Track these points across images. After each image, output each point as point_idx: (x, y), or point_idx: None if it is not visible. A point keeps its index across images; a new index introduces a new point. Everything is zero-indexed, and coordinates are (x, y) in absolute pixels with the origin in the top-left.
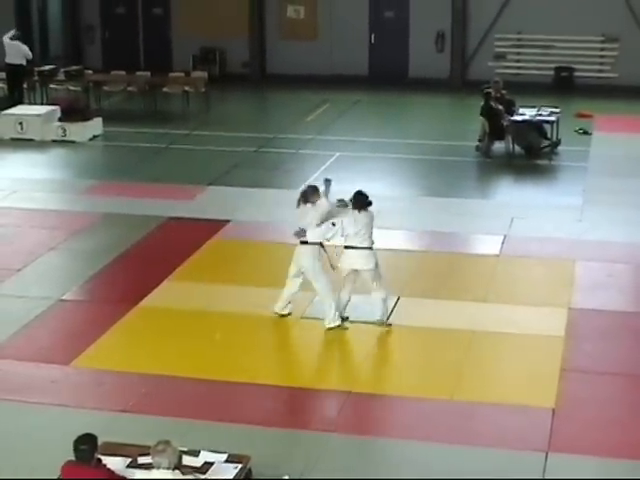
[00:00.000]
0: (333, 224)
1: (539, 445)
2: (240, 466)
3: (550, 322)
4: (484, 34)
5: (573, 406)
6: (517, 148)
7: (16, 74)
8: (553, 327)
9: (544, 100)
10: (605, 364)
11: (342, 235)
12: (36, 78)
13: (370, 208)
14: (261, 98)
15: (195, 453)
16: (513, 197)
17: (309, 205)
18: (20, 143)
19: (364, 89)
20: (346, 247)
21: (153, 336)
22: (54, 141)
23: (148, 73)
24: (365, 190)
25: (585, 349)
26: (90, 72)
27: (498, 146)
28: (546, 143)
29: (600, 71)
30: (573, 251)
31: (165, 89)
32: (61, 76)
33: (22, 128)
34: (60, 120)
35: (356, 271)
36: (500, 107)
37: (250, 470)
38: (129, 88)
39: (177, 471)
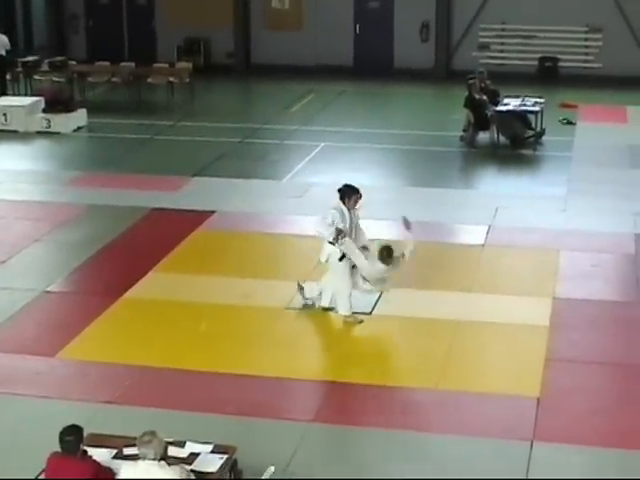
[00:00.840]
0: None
1: (524, 434)
2: (226, 457)
3: (535, 312)
4: (468, 24)
5: (558, 395)
6: (501, 138)
7: None
8: (538, 317)
9: (528, 90)
10: (590, 353)
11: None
12: (20, 69)
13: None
14: (246, 88)
15: (181, 444)
16: (497, 187)
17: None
18: (4, 134)
19: (349, 79)
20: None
21: (138, 327)
22: (38, 132)
23: (132, 64)
24: (350, 181)
25: (570, 339)
26: (74, 63)
27: (482, 136)
28: (530, 133)
29: (584, 61)
30: (557, 241)
31: (149, 80)
32: (45, 67)
33: (6, 119)
34: (44, 111)
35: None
36: (484, 97)
37: (236, 461)
38: (113, 79)
39: (163, 462)
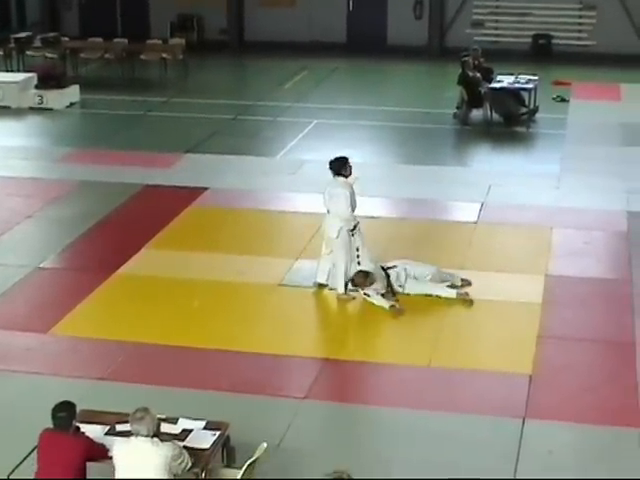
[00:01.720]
0: None
1: (516, 411)
2: (219, 433)
3: (527, 289)
4: (462, 1)
5: (550, 373)
6: (495, 116)
7: None
8: (530, 294)
9: (522, 68)
10: (581, 331)
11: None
12: (12, 45)
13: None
14: (239, 65)
15: (173, 420)
16: (491, 164)
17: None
18: None
19: (342, 56)
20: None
21: (131, 304)
22: (31, 108)
23: (125, 40)
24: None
25: (562, 316)
26: (67, 39)
27: (476, 114)
28: (524, 110)
29: (578, 39)
30: (550, 218)
31: (142, 56)
32: (38, 43)
33: None
34: (37, 87)
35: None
36: (478, 75)
37: (228, 437)
38: (106, 55)
39: (156, 438)
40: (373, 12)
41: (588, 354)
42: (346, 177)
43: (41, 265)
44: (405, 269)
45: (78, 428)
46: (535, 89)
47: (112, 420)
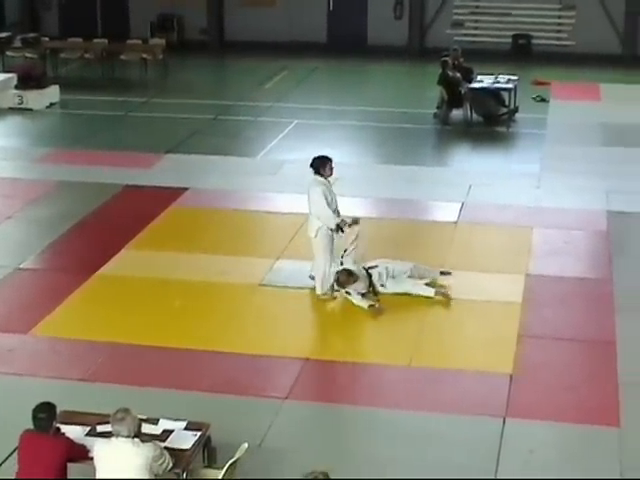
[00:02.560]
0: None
1: (497, 411)
2: (200, 433)
3: (508, 288)
4: (442, 1)
5: (530, 372)
6: (475, 116)
7: None
8: (511, 293)
9: (502, 68)
10: (562, 330)
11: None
12: None
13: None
14: (219, 65)
15: (154, 421)
16: (471, 164)
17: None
18: None
19: (322, 56)
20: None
21: (111, 304)
22: (11, 109)
23: (105, 40)
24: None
25: (542, 315)
26: (47, 39)
27: (456, 113)
28: (504, 110)
29: (557, 39)
30: (531, 218)
31: (122, 56)
32: (17, 43)
33: None
34: (17, 88)
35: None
36: (458, 75)
37: (209, 438)
38: (86, 55)
39: (136, 439)
40: (353, 12)
41: (568, 353)
42: (325, 176)
43: (21, 266)
44: (386, 268)
45: (59, 429)
46: (515, 89)
47: (93, 421)
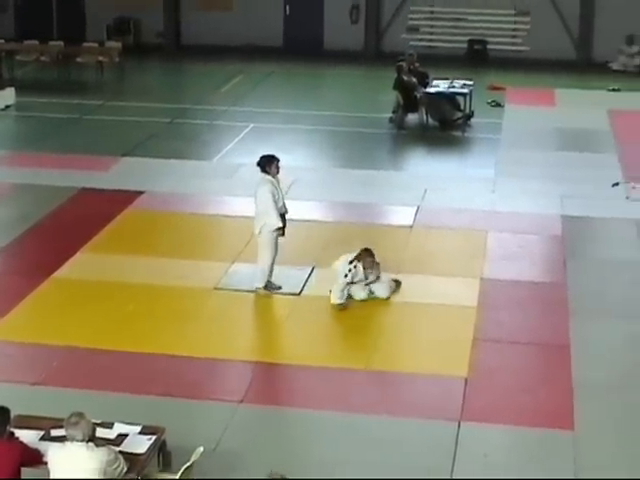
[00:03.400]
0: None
1: (452, 414)
2: (154, 437)
3: (463, 292)
4: (398, 6)
5: (485, 375)
6: (430, 120)
7: None
8: (466, 297)
9: (457, 72)
10: (517, 333)
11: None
12: None
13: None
14: (176, 69)
15: (109, 425)
16: (426, 168)
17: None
18: None
19: (279, 60)
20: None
21: (67, 308)
22: None
23: (61, 43)
24: (280, 161)
25: (497, 319)
26: (2, 41)
27: (412, 118)
28: (459, 115)
29: (512, 44)
30: (486, 222)
31: (79, 59)
32: None
33: None
34: None
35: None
36: (413, 80)
37: (164, 441)
38: (42, 58)
39: (91, 443)
40: (309, 16)
41: (523, 357)
42: (272, 174)
43: None
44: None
45: (12, 433)
46: (470, 94)
47: (47, 425)
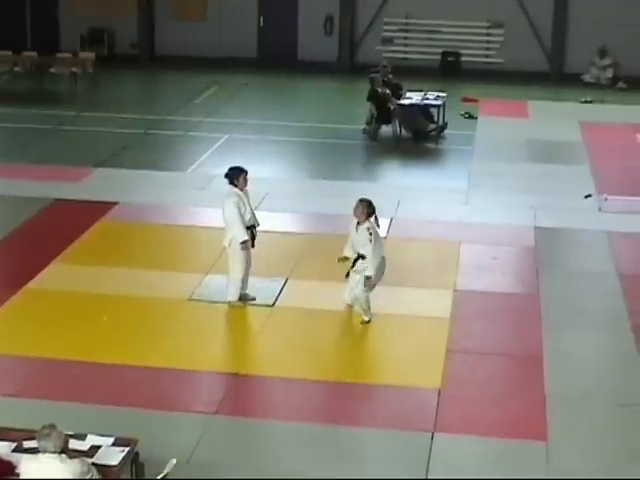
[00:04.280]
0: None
1: (425, 425)
2: (127, 449)
3: (436, 304)
4: (372, 18)
5: (458, 387)
6: (404, 132)
7: None
8: (439, 309)
9: (431, 84)
10: (490, 345)
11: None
12: None
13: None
14: (150, 79)
15: (82, 437)
16: (400, 180)
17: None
18: None
19: (253, 71)
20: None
21: (40, 319)
22: None
23: (35, 53)
24: (253, 173)
25: (470, 330)
26: None
27: (385, 129)
28: (432, 127)
29: (486, 56)
30: (459, 233)
31: (52, 69)
32: None
33: None
34: None
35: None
36: (387, 91)
37: (137, 453)
38: (15, 68)
39: (63, 455)
40: (284, 28)
41: (496, 368)
42: (239, 187)
43: None
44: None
45: None
46: (443, 106)
47: (19, 437)
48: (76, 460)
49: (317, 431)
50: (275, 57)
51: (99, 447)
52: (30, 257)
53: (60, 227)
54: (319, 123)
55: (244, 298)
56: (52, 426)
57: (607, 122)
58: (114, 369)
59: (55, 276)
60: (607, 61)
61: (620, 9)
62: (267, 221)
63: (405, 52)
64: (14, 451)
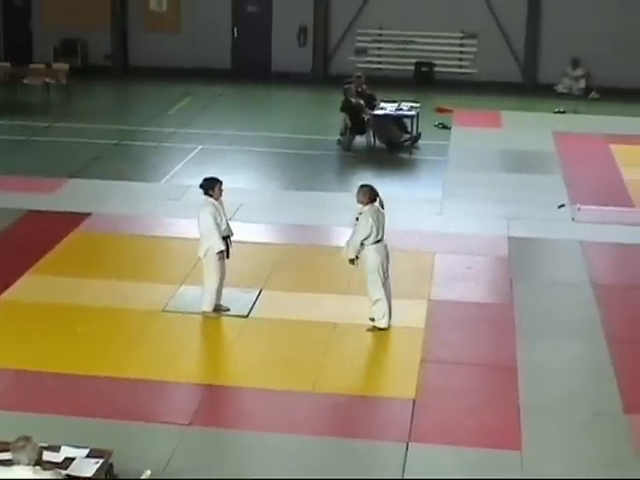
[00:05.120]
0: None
1: (400, 436)
2: (102, 461)
3: (410, 314)
4: (346, 29)
5: (433, 397)
6: (378, 142)
7: None
8: (413, 319)
9: (405, 95)
10: (464, 355)
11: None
12: None
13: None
14: (123, 90)
15: (56, 449)
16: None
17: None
18: None
19: (227, 82)
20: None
21: (13, 330)
22: None
23: (8, 64)
24: (227, 183)
25: (445, 340)
26: None
27: (359, 140)
28: (406, 137)
29: (459, 67)
30: (433, 243)
31: (25, 80)
32: None
33: None
34: None
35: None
36: (361, 102)
37: (112, 465)
38: None
39: (38, 467)
40: (257, 39)
41: (471, 378)
42: (214, 197)
43: None
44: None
45: None
46: (417, 116)
47: None
48: (50, 472)
49: (291, 441)
50: (249, 68)
51: (73, 459)
52: (3, 268)
53: (33, 238)
54: (293, 134)
55: (218, 309)
56: (27, 438)
57: (580, 132)
58: (88, 380)
59: (29, 287)
60: (580, 72)
61: (592, 20)
62: (241, 232)
63: (379, 63)
64: None
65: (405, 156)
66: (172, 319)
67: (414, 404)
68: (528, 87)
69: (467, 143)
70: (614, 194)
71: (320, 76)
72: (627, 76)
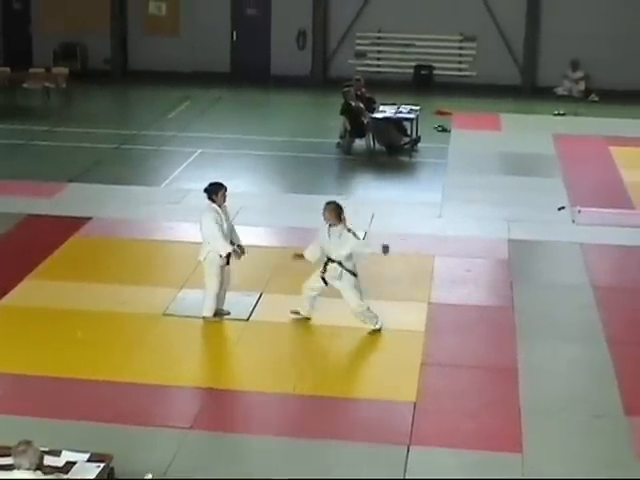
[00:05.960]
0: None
1: (401, 439)
2: (102, 465)
3: (410, 317)
4: (345, 32)
5: (434, 400)
6: (377, 145)
7: None
8: (413, 322)
9: (404, 98)
10: (464, 358)
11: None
12: None
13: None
14: (123, 94)
15: (57, 453)
16: (374, 194)
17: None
18: None
19: (226, 86)
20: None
21: (13, 335)
22: None
23: (7, 69)
24: (227, 186)
25: (445, 343)
26: None
27: (359, 143)
28: (406, 140)
29: (459, 69)
30: (433, 247)
31: (25, 85)
32: None
33: None
34: None
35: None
36: (360, 105)
37: (112, 469)
38: None
39: (39, 471)
40: (257, 42)
41: (471, 380)
42: (217, 203)
43: None
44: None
45: None
46: (417, 119)
47: None
48: (51, 476)
49: (293, 445)
50: (248, 71)
51: (74, 463)
52: (3, 273)
53: (33, 243)
54: (292, 137)
55: (219, 313)
56: (28, 443)
57: (580, 135)
58: (89, 385)
59: (28, 292)
60: (579, 74)
61: (591, 22)
62: (241, 235)
63: (378, 66)
64: None
65: (405, 159)
66: (172, 323)
67: (415, 407)
68: (527, 90)
69: (467, 146)
70: (614, 196)
71: (319, 79)
72: (627, 78)
